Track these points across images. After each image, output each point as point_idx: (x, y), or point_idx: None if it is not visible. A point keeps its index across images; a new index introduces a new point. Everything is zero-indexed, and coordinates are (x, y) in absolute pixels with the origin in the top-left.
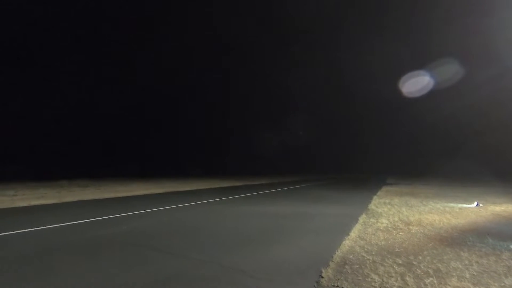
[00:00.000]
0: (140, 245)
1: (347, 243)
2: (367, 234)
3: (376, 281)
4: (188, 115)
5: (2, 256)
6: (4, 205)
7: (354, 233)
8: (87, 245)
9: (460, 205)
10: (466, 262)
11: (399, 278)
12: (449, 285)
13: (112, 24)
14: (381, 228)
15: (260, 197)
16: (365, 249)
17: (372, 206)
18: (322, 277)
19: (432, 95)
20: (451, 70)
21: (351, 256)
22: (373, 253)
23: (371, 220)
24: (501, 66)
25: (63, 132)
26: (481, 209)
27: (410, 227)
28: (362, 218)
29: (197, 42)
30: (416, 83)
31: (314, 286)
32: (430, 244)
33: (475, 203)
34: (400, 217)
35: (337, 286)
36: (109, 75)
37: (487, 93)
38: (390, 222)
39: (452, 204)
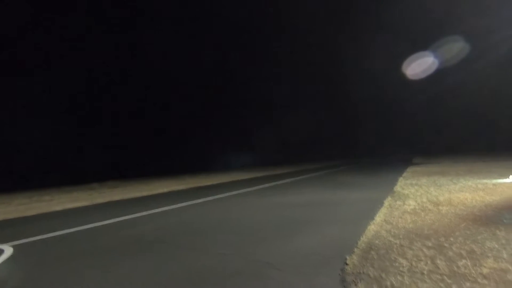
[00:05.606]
0: (165, 243)
1: (372, 228)
2: (393, 217)
3: (404, 265)
4: (204, 110)
5: (36, 260)
6: (42, 210)
7: (380, 217)
8: (116, 244)
9: (494, 181)
10: (503, 241)
11: (429, 262)
12: (485, 266)
13: None
14: (408, 210)
15: (281, 186)
16: (392, 233)
17: (398, 188)
18: (347, 264)
19: (452, 70)
20: (457, 48)
21: (376, 241)
22: (400, 236)
23: (397, 202)
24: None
25: (93, 136)
26: None
27: (440, 207)
28: (388, 201)
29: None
30: (420, 65)
31: (339, 274)
32: (462, 224)
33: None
34: (428, 198)
35: (363, 272)
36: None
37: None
38: (418, 204)
39: (485, 180)
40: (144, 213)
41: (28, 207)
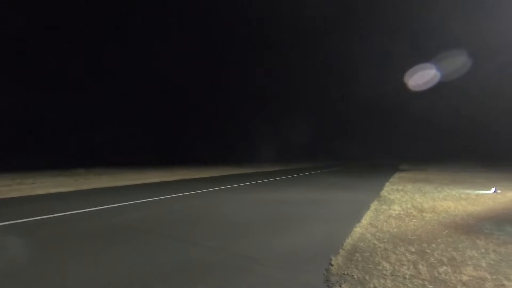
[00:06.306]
0: (151, 232)
1: (358, 230)
2: (379, 221)
3: (387, 269)
4: (201, 107)
5: (13, 244)
6: (23, 193)
7: (366, 220)
8: (100, 232)
9: (477, 192)
10: (483, 250)
11: (411, 267)
12: (464, 274)
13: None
14: (393, 215)
15: (271, 184)
16: (377, 237)
17: (384, 192)
18: (331, 265)
19: (444, 84)
20: (458, 62)
21: (361, 244)
22: (385, 240)
23: (383, 207)
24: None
25: (82, 121)
26: (499, 196)
27: (424, 214)
28: (374, 205)
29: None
30: (422, 76)
31: (324, 274)
32: (445, 232)
33: (493, 189)
34: (413, 204)
35: (347, 274)
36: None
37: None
38: (403, 209)
39: (468, 191)
40: (132, 201)
41: (11, 189)
